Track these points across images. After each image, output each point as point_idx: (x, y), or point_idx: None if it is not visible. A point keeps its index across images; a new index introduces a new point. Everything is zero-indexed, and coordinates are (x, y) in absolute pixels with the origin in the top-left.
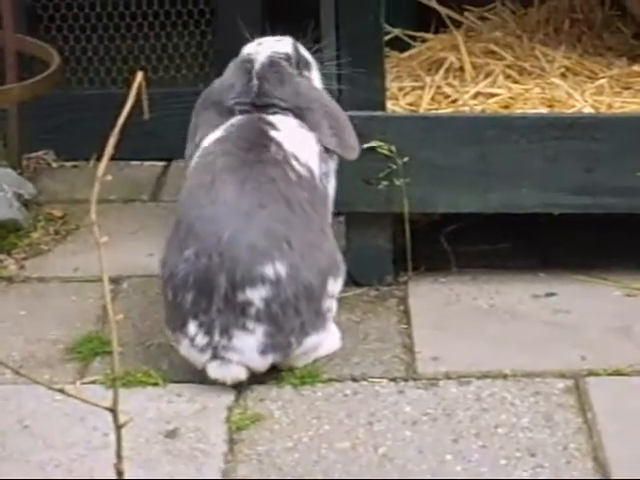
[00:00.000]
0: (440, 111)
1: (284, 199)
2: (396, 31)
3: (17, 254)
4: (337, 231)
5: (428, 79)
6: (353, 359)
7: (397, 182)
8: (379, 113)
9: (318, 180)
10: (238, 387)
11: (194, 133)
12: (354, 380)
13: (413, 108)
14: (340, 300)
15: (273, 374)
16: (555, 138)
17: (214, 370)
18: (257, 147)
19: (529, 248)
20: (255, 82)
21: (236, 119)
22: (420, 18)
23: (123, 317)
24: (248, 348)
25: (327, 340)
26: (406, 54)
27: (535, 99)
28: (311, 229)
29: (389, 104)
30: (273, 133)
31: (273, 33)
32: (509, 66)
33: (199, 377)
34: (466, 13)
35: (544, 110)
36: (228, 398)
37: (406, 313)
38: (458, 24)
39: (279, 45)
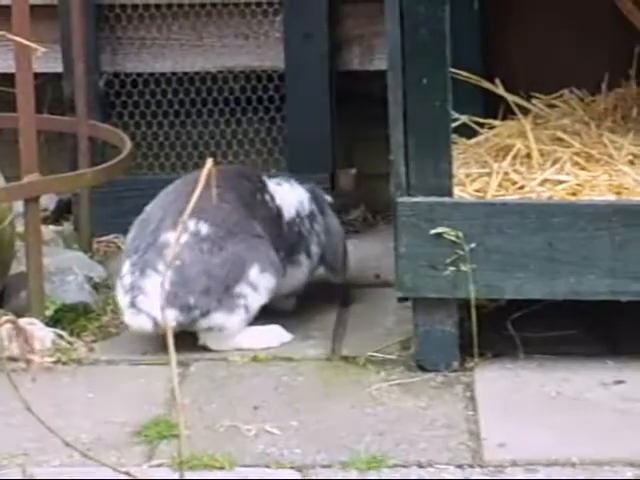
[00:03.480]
0: (507, 197)
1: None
2: (463, 118)
3: (86, 337)
4: (404, 316)
5: (495, 165)
6: (420, 445)
7: (464, 268)
8: (446, 199)
9: None
10: (303, 470)
11: None
12: (420, 466)
13: (480, 194)
14: (407, 385)
15: (340, 457)
16: (622, 225)
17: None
18: None
19: (597, 335)
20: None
21: None
22: (487, 105)
23: (190, 401)
24: (154, 294)
25: (252, 333)
26: (473, 141)
27: (602, 186)
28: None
29: (456, 190)
30: None
31: (340, 118)
32: (577, 153)
33: (264, 461)
34: (533, 100)
35: (612, 197)
36: None
37: (473, 399)
38: (525, 111)
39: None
